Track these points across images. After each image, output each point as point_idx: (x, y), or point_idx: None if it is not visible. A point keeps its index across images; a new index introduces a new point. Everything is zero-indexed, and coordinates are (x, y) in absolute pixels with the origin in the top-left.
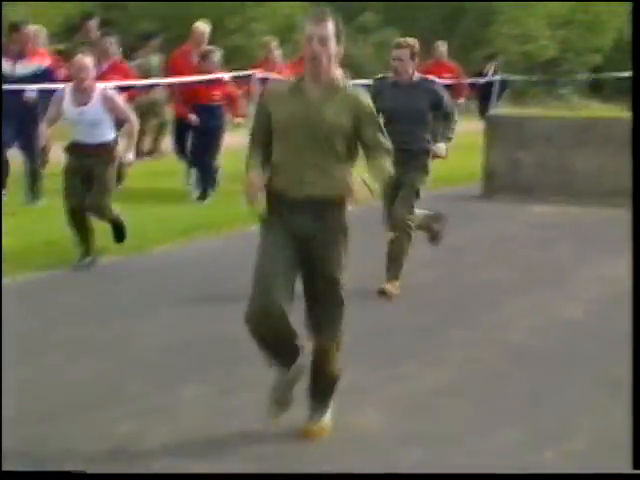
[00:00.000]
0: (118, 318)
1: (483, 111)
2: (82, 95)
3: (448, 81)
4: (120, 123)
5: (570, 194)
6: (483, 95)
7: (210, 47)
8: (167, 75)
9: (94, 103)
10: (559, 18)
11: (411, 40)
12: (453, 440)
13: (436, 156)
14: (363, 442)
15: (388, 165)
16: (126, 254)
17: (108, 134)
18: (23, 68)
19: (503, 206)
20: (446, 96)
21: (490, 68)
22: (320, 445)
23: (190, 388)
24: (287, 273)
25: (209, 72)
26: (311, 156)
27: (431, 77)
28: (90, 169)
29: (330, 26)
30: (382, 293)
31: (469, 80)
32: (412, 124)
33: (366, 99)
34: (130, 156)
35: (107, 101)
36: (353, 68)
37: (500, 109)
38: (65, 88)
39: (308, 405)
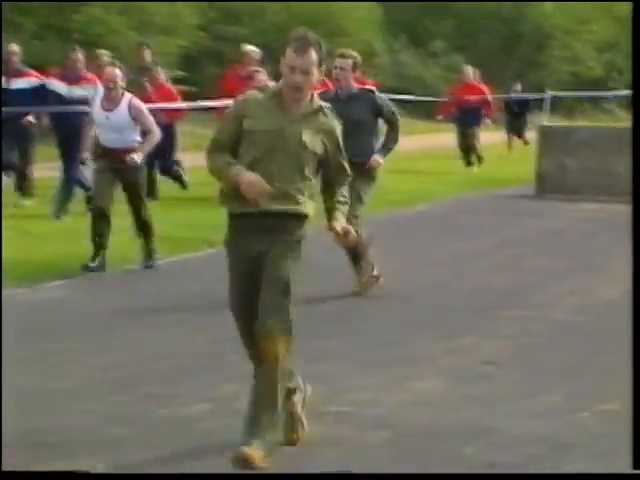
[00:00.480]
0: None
1: (513, 125)
2: (110, 101)
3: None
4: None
5: (611, 194)
6: (512, 111)
7: (256, 68)
8: (218, 93)
9: (121, 109)
10: (604, 43)
11: (354, 52)
12: (504, 402)
13: (372, 167)
14: (428, 403)
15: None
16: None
17: (132, 140)
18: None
19: (552, 204)
20: (387, 106)
21: (517, 87)
22: (392, 406)
23: None
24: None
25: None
26: (281, 170)
27: (372, 87)
28: (119, 173)
29: (313, 55)
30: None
31: (501, 96)
32: (354, 135)
33: (338, 124)
34: (138, 156)
35: (133, 109)
36: (424, 88)
37: (550, 122)
38: (97, 94)
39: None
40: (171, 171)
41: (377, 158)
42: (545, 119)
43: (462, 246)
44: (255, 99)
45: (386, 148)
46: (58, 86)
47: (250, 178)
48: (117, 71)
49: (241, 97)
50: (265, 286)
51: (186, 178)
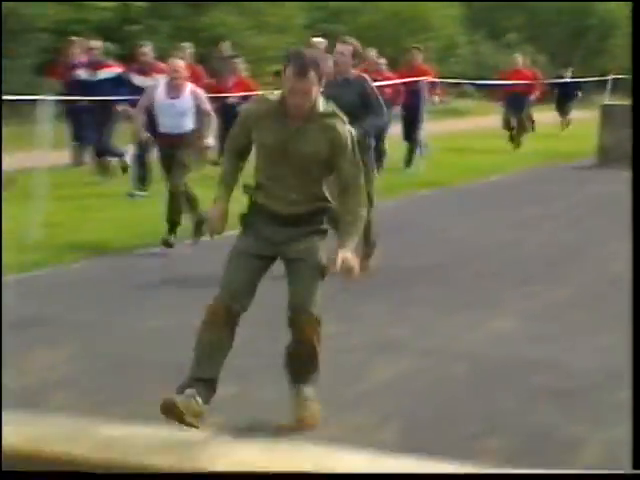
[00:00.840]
0: None
1: (562, 106)
2: (174, 90)
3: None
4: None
5: None
6: (562, 94)
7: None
8: None
9: (184, 97)
10: None
11: (355, 41)
12: (568, 339)
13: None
14: (502, 341)
15: (360, 205)
16: None
17: (189, 125)
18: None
19: (613, 173)
20: (373, 92)
21: (567, 74)
22: (470, 342)
23: None
24: (249, 283)
25: None
26: (292, 179)
27: (365, 75)
28: (175, 154)
29: (312, 78)
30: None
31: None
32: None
33: (344, 130)
34: (210, 140)
35: (195, 96)
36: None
37: (611, 101)
38: (159, 82)
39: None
40: None
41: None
42: (607, 99)
43: (533, 210)
44: (259, 110)
45: (370, 129)
46: (133, 77)
47: (212, 214)
48: (180, 62)
49: (247, 107)
50: (295, 272)
51: None
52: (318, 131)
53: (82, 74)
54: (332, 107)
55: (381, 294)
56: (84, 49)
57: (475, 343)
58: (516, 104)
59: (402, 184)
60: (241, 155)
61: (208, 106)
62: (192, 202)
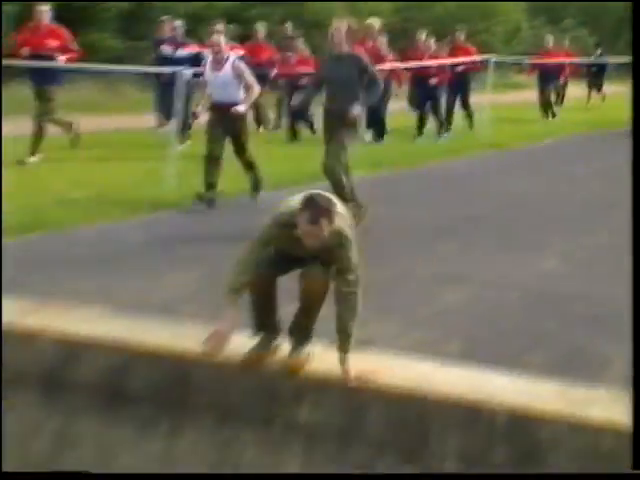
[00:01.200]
0: None
1: (594, 82)
2: (217, 64)
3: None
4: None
5: None
6: (592, 71)
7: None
8: None
9: (226, 70)
10: None
11: (349, 20)
12: (607, 277)
13: (352, 116)
14: (548, 276)
15: (353, 307)
16: None
17: (237, 96)
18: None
19: None
20: (370, 65)
21: (597, 52)
22: (522, 276)
23: None
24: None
25: None
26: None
27: (361, 51)
28: (227, 123)
29: (324, 225)
30: None
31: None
32: (343, 88)
33: (349, 241)
34: (242, 107)
35: (236, 69)
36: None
37: None
38: (207, 58)
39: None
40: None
41: (356, 110)
42: None
43: (579, 168)
44: (279, 232)
45: (364, 102)
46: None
47: (216, 329)
48: (221, 38)
49: (269, 231)
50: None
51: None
52: (329, 251)
53: (166, 50)
54: (339, 226)
55: (450, 235)
56: (170, 28)
57: (525, 277)
58: (547, 81)
59: (469, 146)
60: (254, 270)
61: (250, 78)
62: (252, 167)
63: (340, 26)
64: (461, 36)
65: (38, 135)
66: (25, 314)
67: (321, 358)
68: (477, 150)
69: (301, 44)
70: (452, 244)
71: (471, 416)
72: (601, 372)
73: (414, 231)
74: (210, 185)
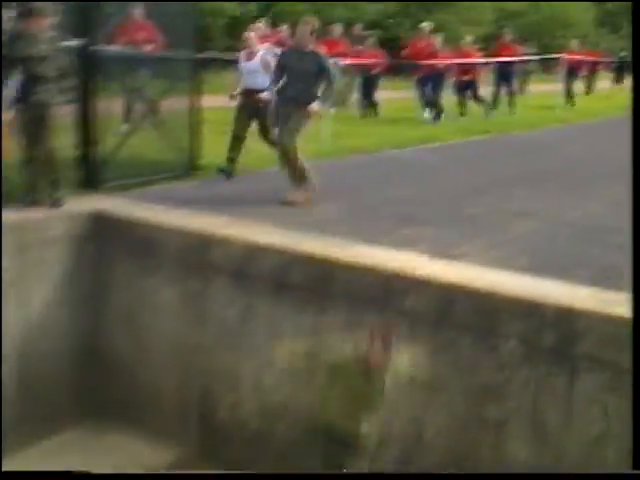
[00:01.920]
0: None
1: (618, 77)
2: (249, 55)
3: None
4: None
5: None
6: (618, 67)
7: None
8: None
9: (255, 61)
10: None
11: (313, 20)
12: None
13: (311, 113)
14: (594, 215)
15: None
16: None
17: (263, 83)
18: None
19: None
20: (329, 63)
21: (623, 53)
22: (564, 214)
23: None
24: None
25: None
26: None
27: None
28: (253, 109)
29: None
30: (289, 203)
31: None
32: (302, 82)
33: None
34: (266, 96)
35: (263, 61)
36: (610, 53)
37: None
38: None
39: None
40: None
41: (315, 107)
42: None
43: (604, 144)
44: None
45: (322, 99)
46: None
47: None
48: (252, 34)
49: None
50: None
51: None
52: None
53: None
54: None
55: (524, 186)
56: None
57: (576, 216)
58: (571, 74)
59: (541, 120)
60: None
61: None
62: (238, 151)
63: (307, 24)
64: (507, 37)
65: None
66: (221, 227)
67: (423, 266)
68: (550, 123)
69: (371, 42)
70: (525, 190)
71: (529, 310)
72: (628, 282)
73: (499, 180)
74: (230, 159)
